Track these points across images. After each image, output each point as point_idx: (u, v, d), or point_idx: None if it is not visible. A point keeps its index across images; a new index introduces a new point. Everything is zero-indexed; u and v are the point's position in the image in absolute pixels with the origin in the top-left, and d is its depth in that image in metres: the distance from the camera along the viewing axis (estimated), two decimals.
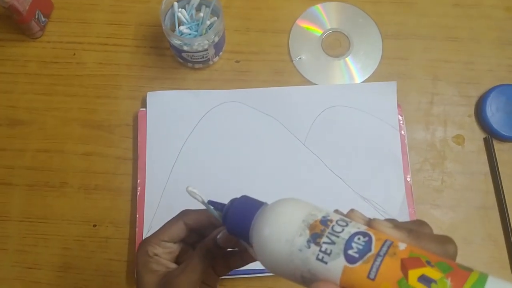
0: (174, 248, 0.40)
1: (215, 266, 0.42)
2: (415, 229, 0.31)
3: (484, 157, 0.64)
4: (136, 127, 0.64)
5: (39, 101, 0.66)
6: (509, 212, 0.61)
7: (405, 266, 0.26)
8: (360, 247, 0.28)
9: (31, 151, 0.64)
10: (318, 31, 0.68)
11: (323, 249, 0.29)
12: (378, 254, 0.28)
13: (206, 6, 0.63)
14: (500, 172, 0.63)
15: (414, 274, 0.26)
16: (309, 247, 0.29)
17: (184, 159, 0.62)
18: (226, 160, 0.62)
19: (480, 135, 0.65)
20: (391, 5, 0.69)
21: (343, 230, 0.29)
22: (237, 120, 0.64)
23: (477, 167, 0.64)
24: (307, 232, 0.30)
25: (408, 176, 0.62)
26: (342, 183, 0.62)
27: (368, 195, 0.61)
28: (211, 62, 0.66)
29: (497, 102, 0.64)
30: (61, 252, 0.61)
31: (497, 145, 0.64)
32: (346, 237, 0.29)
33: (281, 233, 0.30)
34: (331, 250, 0.29)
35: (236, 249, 0.40)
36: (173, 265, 0.40)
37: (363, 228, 0.30)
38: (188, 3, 0.63)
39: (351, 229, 0.29)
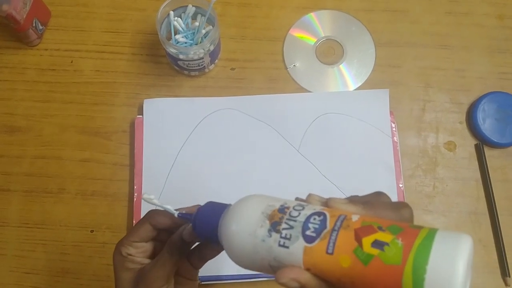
0: (147, 246, 0.42)
1: (190, 259, 0.43)
2: (371, 200, 0.32)
3: (475, 163, 0.65)
4: (132, 133, 0.65)
5: (36, 108, 0.67)
6: (499, 217, 0.62)
7: (359, 235, 0.28)
8: (316, 226, 0.29)
9: (29, 158, 0.65)
10: (312, 40, 0.69)
11: (283, 235, 0.30)
12: (333, 229, 0.29)
13: (202, 15, 0.64)
14: (490, 178, 0.64)
15: (367, 241, 0.28)
16: (270, 236, 0.31)
17: (180, 165, 0.63)
18: (221, 166, 0.63)
19: (471, 141, 0.66)
20: (384, 14, 0.71)
21: (299, 214, 0.31)
22: (232, 126, 0.65)
23: (468, 173, 0.65)
24: (267, 222, 0.31)
25: (400, 183, 0.63)
26: (335, 189, 0.63)
27: None
28: (206, 70, 0.67)
29: (488, 109, 0.65)
30: (59, 257, 0.62)
31: (488, 152, 0.65)
32: (303, 220, 0.30)
33: (244, 228, 0.32)
34: (290, 235, 0.30)
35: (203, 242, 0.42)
36: (148, 261, 0.42)
37: (318, 208, 0.31)
38: (184, 12, 0.64)
39: (307, 211, 0.31)
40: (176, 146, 0.64)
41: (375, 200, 0.33)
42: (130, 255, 0.41)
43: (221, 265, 0.59)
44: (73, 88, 0.67)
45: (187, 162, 0.64)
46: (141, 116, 0.65)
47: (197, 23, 0.64)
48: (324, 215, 0.30)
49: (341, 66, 0.68)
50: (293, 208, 0.31)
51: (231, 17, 0.70)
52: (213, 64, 0.67)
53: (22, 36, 0.66)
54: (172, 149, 0.64)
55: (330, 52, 0.69)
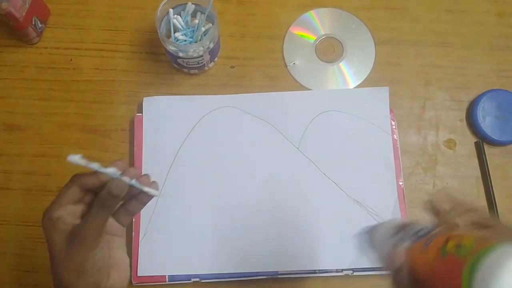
0: (75, 208, 0.43)
1: (117, 216, 0.45)
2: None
3: (475, 161, 0.65)
4: (132, 132, 0.65)
5: (36, 106, 0.67)
6: (499, 215, 0.62)
7: (447, 239, 0.34)
8: (422, 234, 0.39)
9: (28, 156, 0.65)
10: (312, 38, 0.69)
11: (402, 239, 0.41)
12: (431, 236, 0.37)
13: (202, 13, 0.64)
14: (491, 176, 0.64)
15: (451, 243, 0.34)
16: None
17: (180, 164, 0.63)
18: (221, 164, 0.63)
19: (471, 139, 0.66)
20: (384, 11, 0.70)
21: (415, 228, 0.41)
22: (232, 124, 0.65)
23: (468, 171, 0.65)
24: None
25: (400, 180, 0.63)
26: (335, 187, 0.62)
27: (361, 198, 0.62)
28: (206, 68, 0.67)
29: (488, 107, 0.65)
30: None
31: (488, 149, 0.65)
32: (416, 231, 0.40)
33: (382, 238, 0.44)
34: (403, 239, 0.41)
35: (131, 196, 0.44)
36: (79, 222, 0.42)
37: (430, 227, 0.40)
38: (184, 10, 0.64)
39: (420, 226, 0.40)
40: (176, 144, 0.64)
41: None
42: (60, 217, 0.41)
43: (221, 264, 0.59)
44: (72, 86, 0.67)
45: (186, 160, 0.63)
46: (140, 114, 0.65)
47: (196, 21, 0.64)
48: (432, 229, 0.39)
49: (341, 64, 0.68)
50: (411, 224, 0.41)
51: (230, 15, 0.70)
52: (212, 62, 0.67)
53: (22, 34, 0.66)
54: (172, 147, 0.64)
55: (330, 50, 0.69)
